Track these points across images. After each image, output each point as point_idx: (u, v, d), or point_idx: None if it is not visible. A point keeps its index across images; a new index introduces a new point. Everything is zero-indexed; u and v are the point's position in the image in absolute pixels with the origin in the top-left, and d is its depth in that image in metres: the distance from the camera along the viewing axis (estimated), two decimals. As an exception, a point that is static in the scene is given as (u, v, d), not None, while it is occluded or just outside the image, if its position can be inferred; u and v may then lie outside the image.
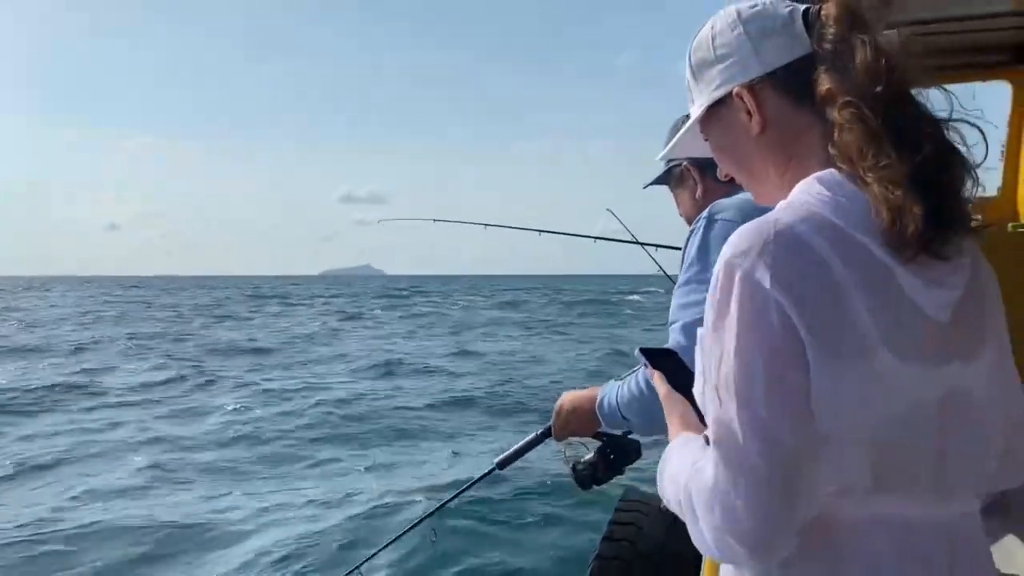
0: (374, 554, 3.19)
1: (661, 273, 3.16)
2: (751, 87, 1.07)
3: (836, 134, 0.96)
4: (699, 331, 0.99)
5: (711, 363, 0.92)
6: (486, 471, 2.50)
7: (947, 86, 0.99)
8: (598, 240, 3.93)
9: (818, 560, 0.92)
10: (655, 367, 1.25)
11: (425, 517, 2.84)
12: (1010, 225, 3.57)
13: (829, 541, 0.92)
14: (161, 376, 16.97)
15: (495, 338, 26.99)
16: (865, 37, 0.97)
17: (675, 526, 2.54)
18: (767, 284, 0.87)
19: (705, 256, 1.68)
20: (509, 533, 6.93)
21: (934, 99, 0.97)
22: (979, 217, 0.97)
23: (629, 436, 2.09)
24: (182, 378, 16.71)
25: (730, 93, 1.08)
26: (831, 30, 1.00)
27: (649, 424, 1.76)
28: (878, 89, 0.94)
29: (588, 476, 2.10)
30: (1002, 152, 3.68)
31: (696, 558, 2.24)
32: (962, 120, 0.96)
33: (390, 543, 3.03)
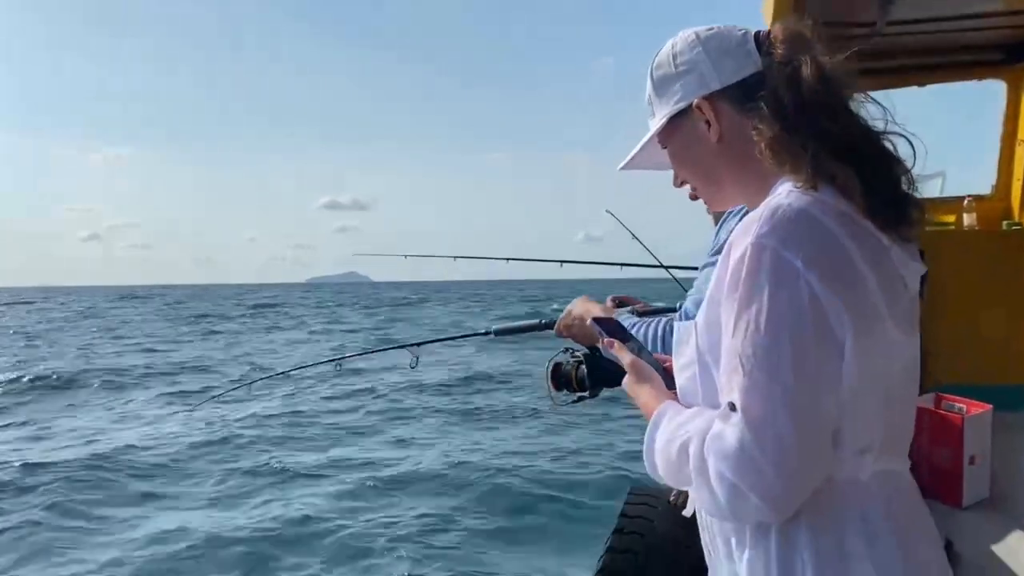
0: (359, 355, 3.44)
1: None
2: (710, 99, 1.16)
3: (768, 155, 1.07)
4: (702, 310, 1.06)
5: (737, 335, 0.97)
6: (482, 331, 2.47)
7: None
8: (564, 264, 3.90)
9: (832, 516, 1.00)
10: (610, 336, 1.30)
11: (411, 344, 2.78)
12: (1004, 223, 3.59)
13: (842, 499, 1.00)
14: None
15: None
16: (807, 56, 1.07)
17: (683, 519, 2.55)
18: (798, 262, 0.94)
19: None
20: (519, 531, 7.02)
21: (871, 111, 1.09)
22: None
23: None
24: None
25: (691, 105, 1.18)
26: (778, 50, 1.11)
27: None
28: (817, 106, 1.04)
29: (564, 377, 2.01)
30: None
31: None
32: (893, 132, 1.07)
33: (368, 352, 3.32)
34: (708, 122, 1.16)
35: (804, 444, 0.93)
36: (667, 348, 1.64)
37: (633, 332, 1.75)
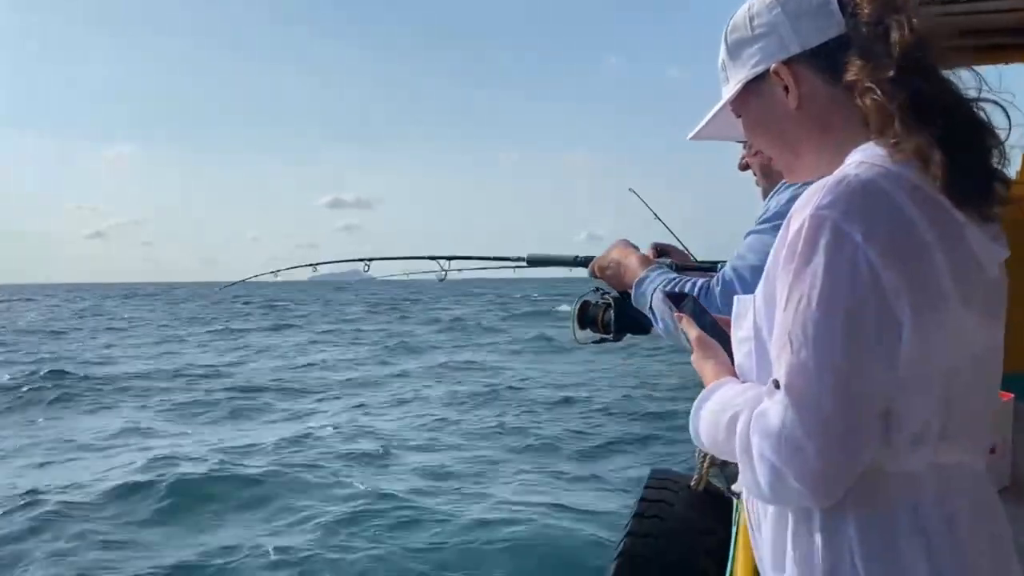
0: (385, 258, 3.15)
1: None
2: (789, 63, 1.10)
3: (865, 116, 1.00)
4: (760, 285, 1.01)
5: (788, 310, 0.93)
6: (516, 258, 2.42)
7: (975, 67, 1.02)
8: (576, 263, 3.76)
9: (880, 507, 0.95)
10: (680, 310, 1.26)
11: (440, 257, 2.73)
12: (1029, 210, 3.53)
13: (893, 490, 0.95)
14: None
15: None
16: (900, 17, 1.00)
17: (703, 503, 2.52)
18: (858, 237, 0.89)
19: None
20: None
21: (964, 79, 1.00)
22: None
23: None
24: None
25: (768, 70, 1.11)
26: (866, 10, 1.04)
27: (667, 334, 1.70)
28: (910, 66, 0.97)
29: (590, 317, 2.05)
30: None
31: (725, 533, 2.22)
32: (987, 100, 0.99)
33: (395, 259, 3.03)
34: (787, 88, 1.10)
35: (848, 425, 0.89)
36: None
37: (668, 289, 1.71)
